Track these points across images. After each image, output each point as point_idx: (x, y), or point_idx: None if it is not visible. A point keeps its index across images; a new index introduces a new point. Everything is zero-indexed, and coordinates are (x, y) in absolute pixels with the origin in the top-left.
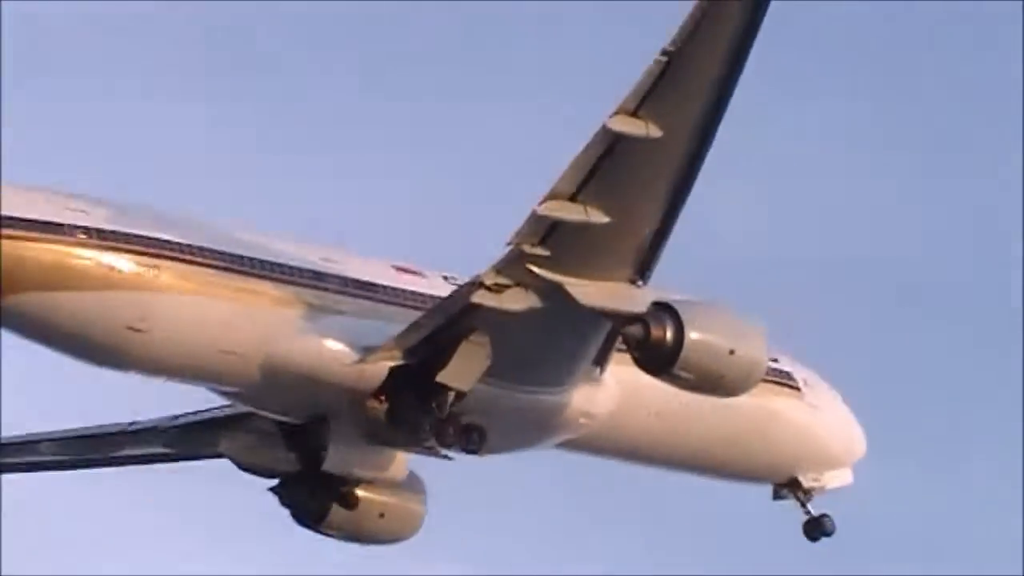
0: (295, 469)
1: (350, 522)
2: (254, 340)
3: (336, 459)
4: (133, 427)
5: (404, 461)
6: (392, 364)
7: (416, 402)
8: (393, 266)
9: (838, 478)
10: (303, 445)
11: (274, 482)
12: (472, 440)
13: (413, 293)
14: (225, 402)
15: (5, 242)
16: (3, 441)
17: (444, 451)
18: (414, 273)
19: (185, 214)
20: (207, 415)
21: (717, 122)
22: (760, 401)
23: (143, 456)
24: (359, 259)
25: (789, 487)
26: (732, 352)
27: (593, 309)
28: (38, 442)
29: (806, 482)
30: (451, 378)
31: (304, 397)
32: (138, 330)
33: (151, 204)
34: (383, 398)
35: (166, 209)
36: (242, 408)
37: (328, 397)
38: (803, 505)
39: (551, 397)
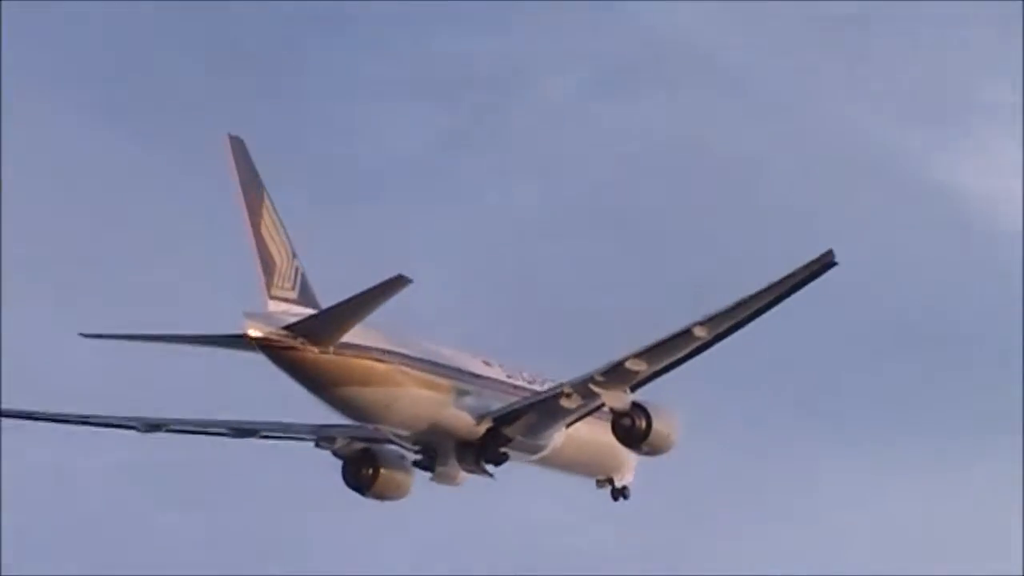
0: (358, 455)
1: (378, 487)
2: (429, 408)
3: (442, 466)
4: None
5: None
6: (489, 425)
7: (494, 444)
8: (482, 361)
9: (628, 477)
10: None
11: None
12: (503, 462)
13: (492, 380)
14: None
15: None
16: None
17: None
18: (488, 364)
19: (405, 334)
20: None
21: None
22: (610, 440)
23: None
24: (468, 355)
25: (607, 480)
26: (668, 436)
27: (611, 408)
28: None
29: (616, 479)
30: (512, 432)
31: (444, 437)
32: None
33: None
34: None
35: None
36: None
37: (454, 437)
38: (611, 486)
39: (548, 440)
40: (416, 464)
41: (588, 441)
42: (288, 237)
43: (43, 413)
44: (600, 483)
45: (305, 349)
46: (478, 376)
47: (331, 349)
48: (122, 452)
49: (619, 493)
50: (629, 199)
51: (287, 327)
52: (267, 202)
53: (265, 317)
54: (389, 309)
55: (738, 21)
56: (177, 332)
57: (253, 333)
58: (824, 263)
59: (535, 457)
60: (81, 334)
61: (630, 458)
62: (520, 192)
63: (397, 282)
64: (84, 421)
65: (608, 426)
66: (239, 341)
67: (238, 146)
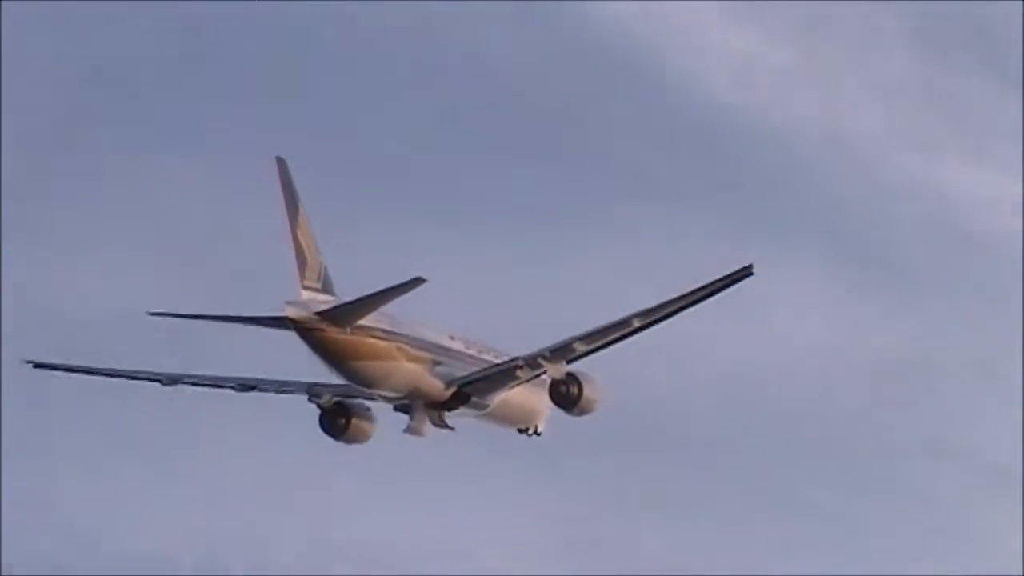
0: (333, 408)
1: (351, 434)
2: (415, 377)
3: (415, 421)
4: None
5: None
6: (455, 389)
7: (456, 402)
8: (448, 336)
9: (541, 426)
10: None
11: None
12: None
13: (456, 352)
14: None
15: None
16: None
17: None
18: (452, 338)
19: (396, 316)
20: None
21: None
22: (533, 399)
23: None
24: (440, 332)
25: (528, 428)
26: (594, 400)
27: (551, 377)
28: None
29: (536, 425)
30: (471, 393)
31: (418, 398)
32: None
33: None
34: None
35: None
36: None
37: (426, 398)
38: (529, 433)
39: (495, 399)
40: (397, 409)
41: (518, 401)
42: (315, 238)
43: (76, 366)
44: (520, 431)
45: (328, 330)
46: (447, 350)
47: (348, 330)
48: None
49: (533, 431)
50: None
51: (318, 312)
52: (301, 210)
53: (300, 304)
54: None
55: None
56: (230, 314)
57: (293, 315)
58: (742, 275)
59: (480, 413)
60: (149, 313)
61: (544, 412)
62: None
63: (414, 282)
64: (115, 374)
65: (532, 388)
66: (280, 322)
67: (283, 166)
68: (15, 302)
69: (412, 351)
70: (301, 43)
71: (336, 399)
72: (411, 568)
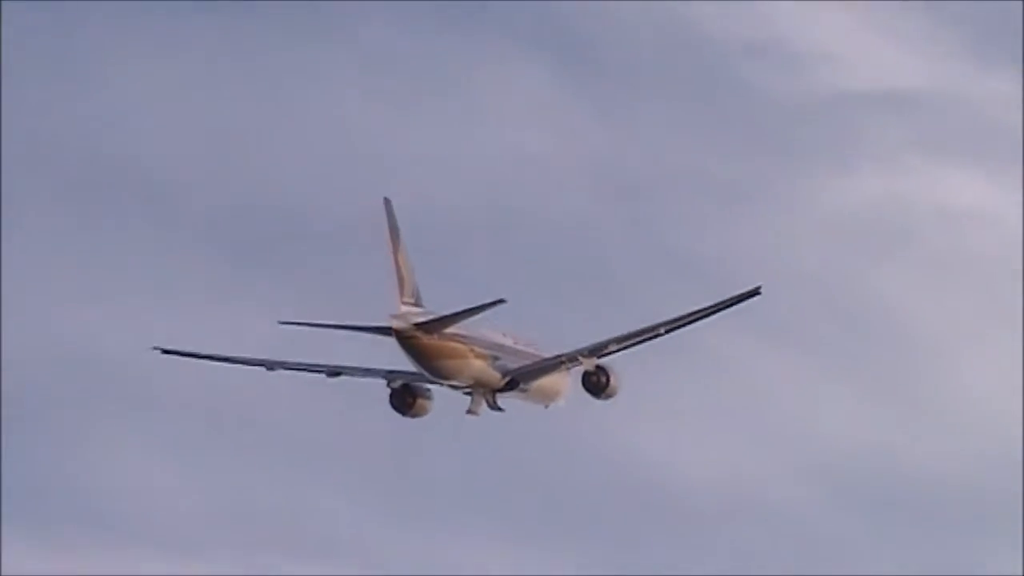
0: (400, 389)
1: (416, 410)
2: (480, 371)
3: (474, 404)
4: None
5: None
6: (508, 379)
7: (507, 388)
8: (502, 334)
9: (562, 403)
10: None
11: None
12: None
13: (509, 348)
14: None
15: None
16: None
17: (501, 406)
18: (504, 335)
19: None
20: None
21: None
22: (559, 382)
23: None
24: (496, 331)
25: (551, 405)
26: (617, 387)
27: (584, 368)
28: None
29: (558, 403)
30: (521, 379)
31: (479, 386)
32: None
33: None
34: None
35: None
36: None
37: (486, 386)
38: (547, 407)
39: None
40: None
41: (549, 385)
42: (411, 264)
43: (198, 352)
44: (547, 407)
45: (421, 337)
46: (502, 347)
47: (435, 337)
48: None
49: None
50: None
51: (415, 324)
52: (402, 241)
53: (401, 317)
54: None
55: None
56: (345, 323)
57: (396, 326)
58: (750, 293)
59: (522, 395)
60: (280, 321)
61: (565, 393)
62: None
63: (496, 302)
64: (228, 359)
65: (559, 375)
66: (385, 331)
67: (388, 205)
68: None
69: (479, 350)
70: None
71: (403, 382)
72: None
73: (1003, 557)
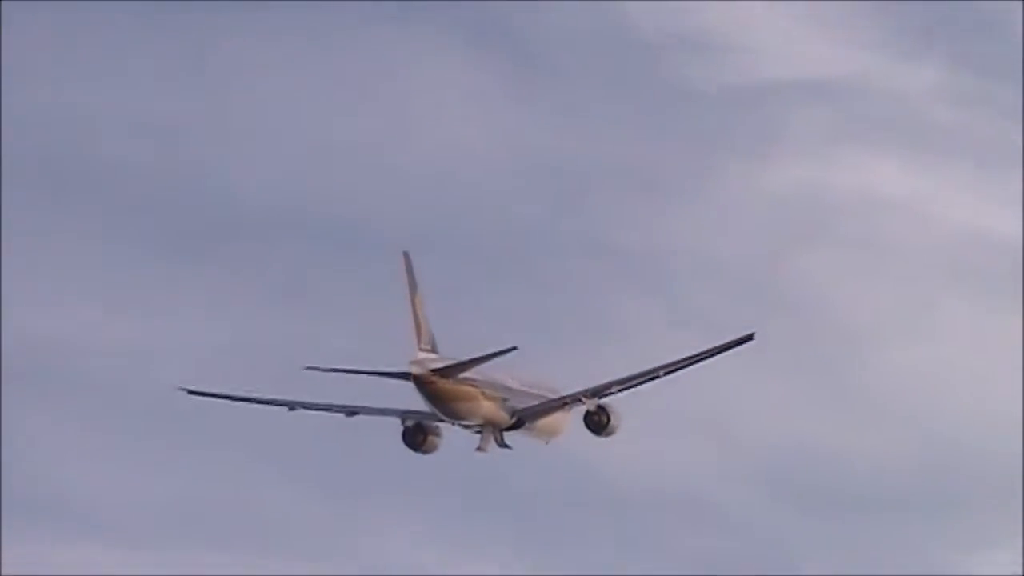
0: (413, 427)
1: (427, 447)
2: (491, 411)
3: (483, 442)
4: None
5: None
6: (515, 419)
7: (514, 426)
8: (510, 377)
9: (560, 438)
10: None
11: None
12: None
13: (516, 390)
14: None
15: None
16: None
17: (508, 444)
18: (512, 377)
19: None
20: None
21: None
22: (560, 420)
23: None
24: (504, 373)
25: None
26: (617, 426)
27: (587, 408)
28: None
29: (557, 438)
30: (527, 418)
31: (488, 425)
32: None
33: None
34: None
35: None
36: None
37: (495, 425)
38: (546, 442)
39: (541, 422)
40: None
41: (551, 422)
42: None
43: (223, 393)
44: (546, 442)
45: (439, 382)
46: (510, 389)
47: (451, 381)
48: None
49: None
50: None
51: (433, 369)
52: (420, 293)
53: (419, 363)
54: None
55: None
56: (368, 368)
57: (415, 372)
58: (744, 339)
59: (527, 432)
60: (306, 367)
61: (564, 430)
62: None
63: (508, 350)
64: (249, 400)
65: (562, 412)
66: (405, 376)
67: (407, 259)
68: None
69: (490, 392)
70: None
71: (415, 421)
72: None
73: (931, 538)
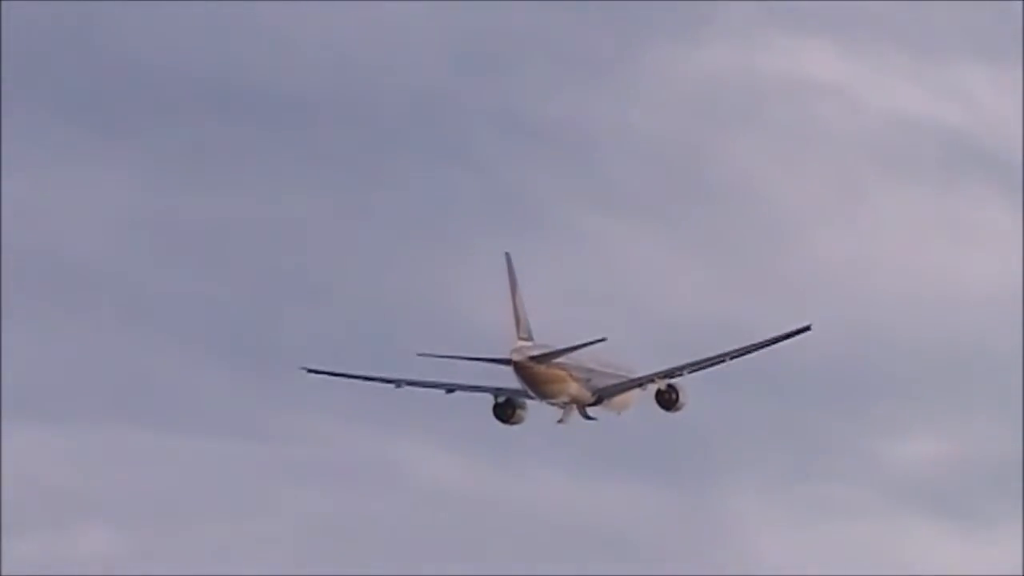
0: (502, 402)
1: (514, 420)
2: (577, 391)
3: (565, 415)
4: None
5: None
6: (596, 396)
7: (595, 403)
8: (589, 357)
9: (631, 411)
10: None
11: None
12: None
13: (596, 371)
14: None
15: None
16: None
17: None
18: (593, 360)
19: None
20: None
21: None
22: (632, 395)
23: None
24: (590, 358)
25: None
26: (685, 403)
27: (658, 387)
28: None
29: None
30: (606, 396)
31: (573, 402)
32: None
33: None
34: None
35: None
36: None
37: (579, 403)
38: (619, 414)
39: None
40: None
41: (625, 398)
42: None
43: (343, 372)
44: (618, 414)
45: (535, 367)
46: (592, 370)
47: (545, 367)
48: None
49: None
50: None
51: (531, 356)
52: (519, 289)
53: (519, 350)
54: None
55: None
56: (473, 355)
57: (515, 359)
58: (801, 330)
59: (604, 407)
60: (419, 354)
61: (635, 405)
62: None
63: (598, 340)
64: (368, 378)
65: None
66: (506, 362)
67: (509, 259)
68: None
69: (577, 375)
70: None
71: (505, 397)
72: None
73: (859, 425)
